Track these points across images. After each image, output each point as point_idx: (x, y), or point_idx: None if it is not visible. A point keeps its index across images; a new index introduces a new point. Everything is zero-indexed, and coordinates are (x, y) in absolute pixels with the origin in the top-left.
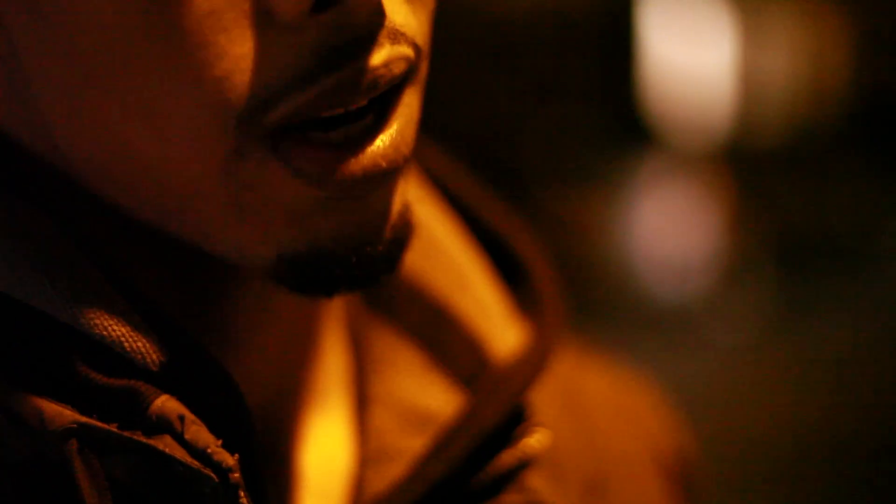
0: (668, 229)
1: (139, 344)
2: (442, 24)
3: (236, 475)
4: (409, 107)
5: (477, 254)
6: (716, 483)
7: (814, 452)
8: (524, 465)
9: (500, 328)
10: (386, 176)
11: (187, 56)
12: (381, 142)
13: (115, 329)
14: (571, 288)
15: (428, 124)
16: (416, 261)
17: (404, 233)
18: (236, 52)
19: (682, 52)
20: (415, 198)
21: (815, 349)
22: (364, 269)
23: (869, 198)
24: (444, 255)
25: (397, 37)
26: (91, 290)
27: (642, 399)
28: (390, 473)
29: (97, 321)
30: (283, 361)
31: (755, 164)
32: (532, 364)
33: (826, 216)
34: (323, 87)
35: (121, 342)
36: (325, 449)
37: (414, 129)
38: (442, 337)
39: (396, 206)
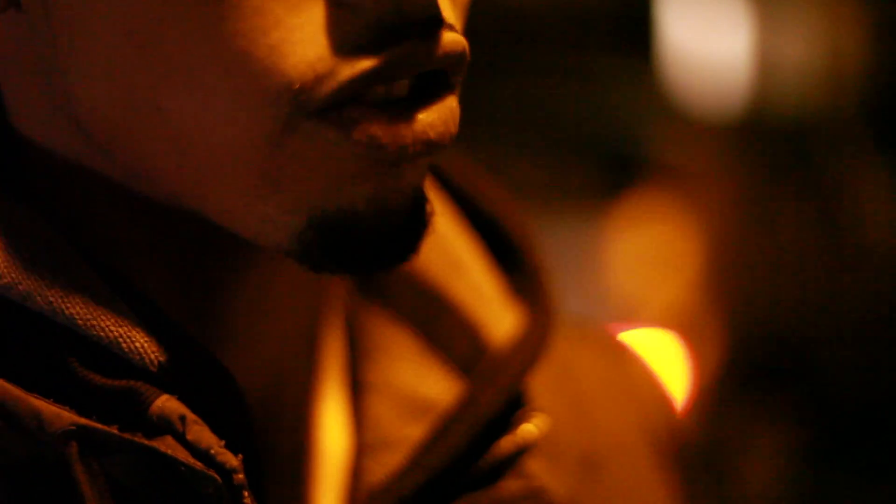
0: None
1: (137, 344)
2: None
3: (240, 476)
4: (455, 97)
5: (471, 238)
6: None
7: None
8: (523, 450)
9: (497, 313)
10: (430, 147)
11: (241, 21)
12: (433, 114)
13: (112, 329)
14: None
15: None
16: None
17: (429, 215)
18: (292, 22)
19: (699, 41)
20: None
21: None
22: (392, 239)
23: (884, 184)
24: (439, 241)
25: (451, 27)
26: (88, 291)
27: (636, 373)
28: (389, 462)
29: (94, 322)
30: (281, 352)
31: (771, 148)
32: (529, 349)
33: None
34: (377, 63)
35: (118, 342)
36: (323, 438)
37: (457, 121)
38: (438, 323)
39: (424, 187)
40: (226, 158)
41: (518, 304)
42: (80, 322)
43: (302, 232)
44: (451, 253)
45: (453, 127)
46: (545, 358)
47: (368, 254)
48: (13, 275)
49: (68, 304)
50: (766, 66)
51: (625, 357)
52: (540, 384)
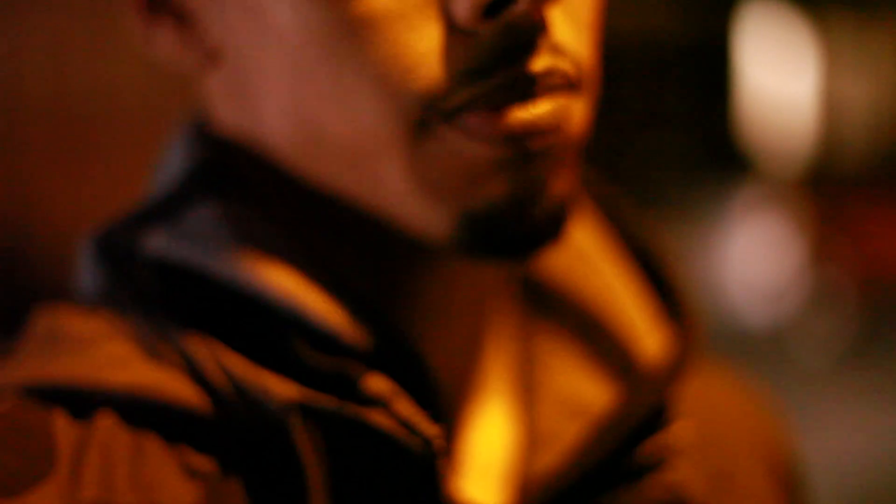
0: (758, 255)
1: (351, 331)
2: None
3: (441, 441)
4: (573, 103)
5: (626, 264)
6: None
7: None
8: (670, 450)
9: (647, 330)
10: (542, 136)
11: (378, 51)
12: (538, 108)
13: (331, 318)
14: None
15: None
16: (573, 269)
17: (565, 207)
18: (420, 49)
19: (773, 80)
20: (577, 196)
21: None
22: (532, 228)
23: None
24: (597, 265)
25: (558, 51)
26: (313, 286)
27: (759, 408)
28: (550, 457)
29: (317, 311)
30: (460, 352)
31: (840, 190)
32: (677, 362)
33: None
34: (494, 82)
35: (336, 329)
36: (491, 434)
37: (577, 128)
38: (598, 335)
39: (558, 182)
40: (376, 163)
41: (666, 322)
42: (305, 311)
43: (454, 228)
44: (609, 277)
45: (563, 126)
46: (690, 372)
47: (513, 243)
48: (251, 271)
49: (296, 296)
50: (834, 106)
51: (748, 389)
52: (684, 397)
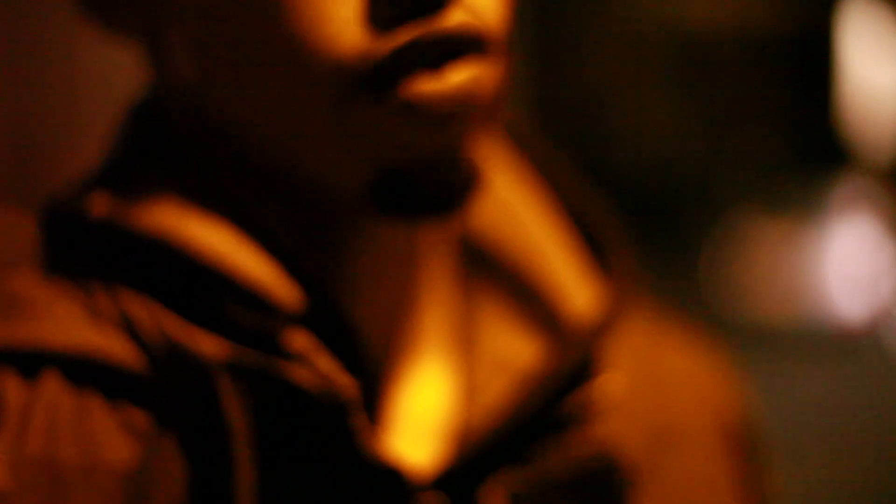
0: (859, 251)
1: (282, 291)
2: (637, 47)
3: (354, 394)
4: (481, 71)
5: (556, 221)
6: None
7: None
8: (598, 404)
9: (575, 285)
10: (460, 106)
11: (298, 21)
12: (461, 74)
13: (263, 279)
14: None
15: (619, 149)
16: (502, 226)
17: (475, 173)
18: (343, 15)
19: (877, 72)
20: (491, 165)
21: None
22: (442, 189)
23: None
24: (524, 222)
25: (470, 11)
26: (245, 247)
27: (712, 367)
28: (481, 409)
29: (249, 272)
30: (393, 306)
31: None
32: (606, 317)
33: None
34: (407, 38)
35: (266, 289)
36: (426, 394)
37: (489, 94)
38: (526, 291)
39: (470, 148)
40: (308, 125)
41: (596, 278)
42: (237, 272)
43: (369, 182)
44: (536, 231)
45: (486, 89)
46: (623, 327)
47: (424, 203)
48: (185, 232)
49: (228, 257)
50: None
51: (702, 347)
52: (620, 355)
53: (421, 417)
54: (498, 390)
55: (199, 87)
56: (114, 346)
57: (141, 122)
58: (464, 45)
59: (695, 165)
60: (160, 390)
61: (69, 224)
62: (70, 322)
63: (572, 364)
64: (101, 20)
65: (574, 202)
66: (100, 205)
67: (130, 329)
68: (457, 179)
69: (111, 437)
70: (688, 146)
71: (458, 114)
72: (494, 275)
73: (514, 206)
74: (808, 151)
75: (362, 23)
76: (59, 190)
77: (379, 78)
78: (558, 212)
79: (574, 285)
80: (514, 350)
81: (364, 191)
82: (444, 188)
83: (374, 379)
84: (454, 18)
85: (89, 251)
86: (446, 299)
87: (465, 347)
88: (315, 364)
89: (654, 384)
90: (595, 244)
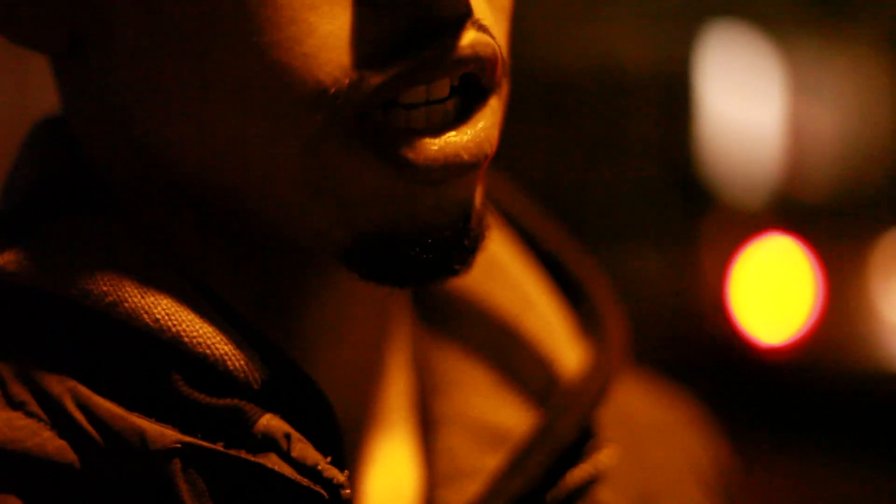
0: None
1: (241, 362)
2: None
3: (347, 491)
4: (493, 111)
5: (538, 275)
6: None
7: None
8: (595, 479)
9: (566, 346)
10: (465, 169)
11: (276, 32)
12: (465, 135)
13: (218, 347)
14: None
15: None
16: (480, 281)
17: (480, 229)
18: (326, 29)
19: (737, 109)
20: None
21: None
22: (439, 254)
23: None
24: (507, 276)
25: (482, 28)
26: (193, 309)
27: (681, 415)
28: (467, 491)
29: (200, 339)
30: (356, 379)
31: (804, 219)
32: (600, 382)
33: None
34: (411, 63)
35: (224, 360)
36: (394, 470)
37: (496, 136)
38: (510, 355)
39: (474, 201)
40: (270, 168)
41: (585, 338)
42: (186, 339)
43: (349, 248)
44: (520, 288)
45: (488, 147)
46: (614, 391)
47: (415, 269)
48: (118, 293)
49: (175, 322)
50: (799, 134)
51: (675, 398)
52: (607, 418)
53: (395, 500)
54: (487, 467)
55: (133, 110)
56: (32, 436)
57: (52, 154)
58: (476, 80)
59: (566, 195)
60: (96, 484)
61: None
62: None
63: (571, 436)
64: (7, 37)
65: (551, 253)
66: (8, 262)
67: (53, 415)
68: (455, 240)
69: None
70: (553, 182)
71: (460, 175)
72: (467, 332)
73: (491, 257)
74: (673, 185)
75: (349, 41)
76: None
77: (364, 118)
78: (534, 262)
79: (564, 344)
80: (498, 419)
81: (339, 255)
82: (439, 254)
83: (349, 461)
84: (465, 39)
85: None
86: (412, 361)
87: (438, 417)
88: (294, 453)
89: (637, 445)
90: (579, 299)
